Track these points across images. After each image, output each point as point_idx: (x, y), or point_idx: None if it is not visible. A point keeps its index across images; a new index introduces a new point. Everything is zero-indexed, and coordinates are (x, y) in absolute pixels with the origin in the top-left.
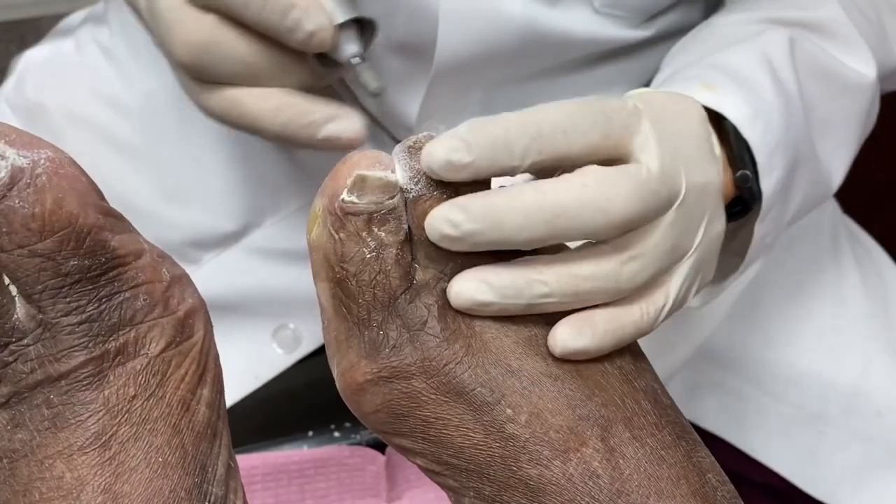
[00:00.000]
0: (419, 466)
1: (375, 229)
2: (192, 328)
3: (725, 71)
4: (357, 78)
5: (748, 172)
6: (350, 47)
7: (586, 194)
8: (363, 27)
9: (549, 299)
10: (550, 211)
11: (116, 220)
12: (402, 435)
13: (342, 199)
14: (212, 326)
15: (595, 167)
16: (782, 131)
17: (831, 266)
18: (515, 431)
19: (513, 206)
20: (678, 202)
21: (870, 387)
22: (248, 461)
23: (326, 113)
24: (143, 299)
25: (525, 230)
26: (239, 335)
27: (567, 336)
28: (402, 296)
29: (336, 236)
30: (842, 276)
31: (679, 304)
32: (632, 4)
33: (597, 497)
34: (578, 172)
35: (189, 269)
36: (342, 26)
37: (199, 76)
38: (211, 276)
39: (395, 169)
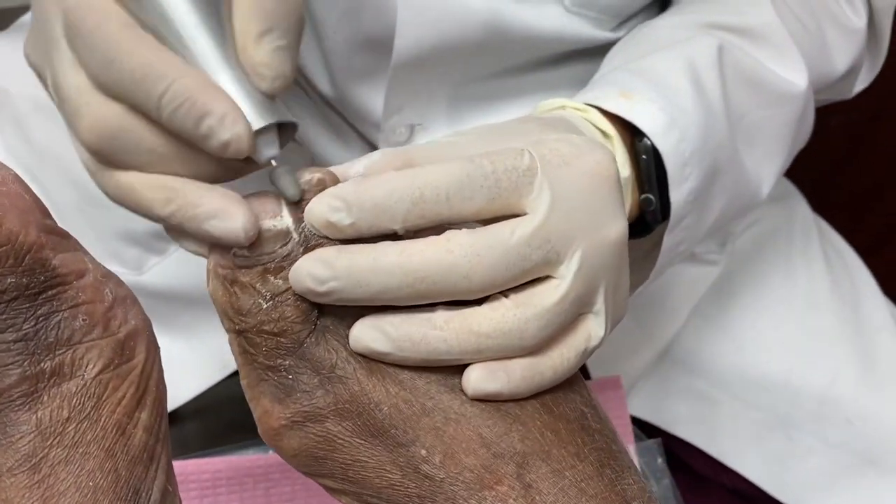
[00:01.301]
0: None
1: (271, 278)
2: (132, 350)
3: (647, 77)
4: (275, 182)
5: (651, 196)
6: (268, 150)
7: (449, 259)
8: (281, 127)
9: (449, 356)
10: (413, 275)
11: (60, 239)
12: (325, 476)
13: (234, 253)
14: (157, 349)
15: (463, 231)
16: (700, 140)
17: (802, 270)
18: (430, 472)
19: (375, 268)
20: (573, 258)
21: (839, 393)
22: (212, 465)
23: (211, 209)
24: (83, 319)
25: (388, 292)
26: (207, 325)
27: (480, 380)
28: (308, 339)
29: (230, 290)
30: (813, 280)
31: (599, 343)
32: (604, 5)
33: None
34: (445, 236)
35: (156, 259)
36: (261, 130)
37: (104, 160)
38: (178, 267)
39: (284, 213)
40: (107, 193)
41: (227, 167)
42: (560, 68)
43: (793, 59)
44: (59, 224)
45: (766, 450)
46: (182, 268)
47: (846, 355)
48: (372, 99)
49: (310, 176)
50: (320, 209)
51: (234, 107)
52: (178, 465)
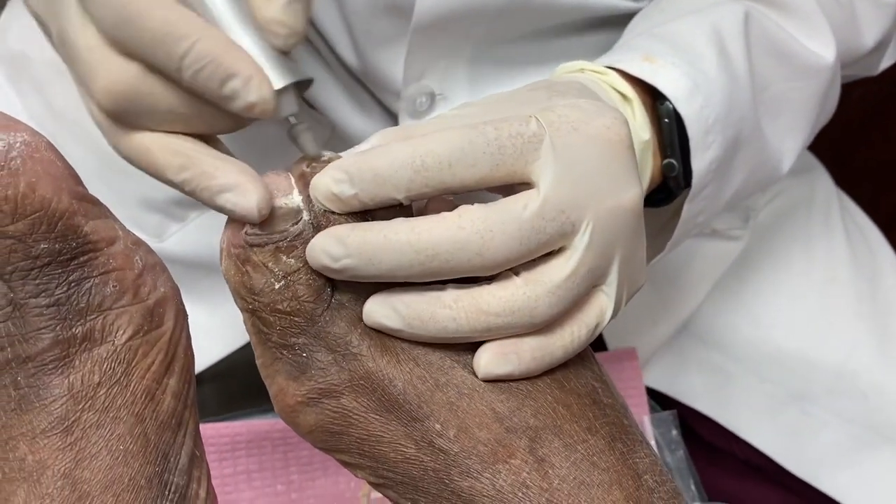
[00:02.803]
0: (364, 479)
1: (283, 257)
2: (161, 317)
3: (672, 42)
4: (295, 139)
5: (674, 162)
6: (288, 108)
7: (461, 236)
8: (299, 85)
9: (459, 334)
10: (424, 253)
11: (91, 206)
12: (341, 451)
13: (245, 232)
14: (185, 316)
15: (475, 207)
16: (723, 108)
17: (822, 244)
18: (445, 446)
19: (387, 246)
20: (585, 229)
21: (855, 368)
22: (232, 428)
23: (226, 182)
24: (113, 286)
25: (400, 269)
26: (227, 293)
27: (490, 364)
28: (322, 316)
29: (242, 269)
30: (832, 254)
31: (614, 315)
32: None
33: None
34: (456, 212)
35: (176, 227)
36: (280, 89)
37: (119, 120)
38: (198, 234)
39: (296, 191)
40: (120, 153)
41: (239, 120)
42: (583, 35)
43: (821, 32)
44: None
45: (781, 423)
46: (202, 235)
47: (863, 330)
48: (392, 65)
49: (318, 158)
50: (324, 181)
51: (258, 68)
52: None
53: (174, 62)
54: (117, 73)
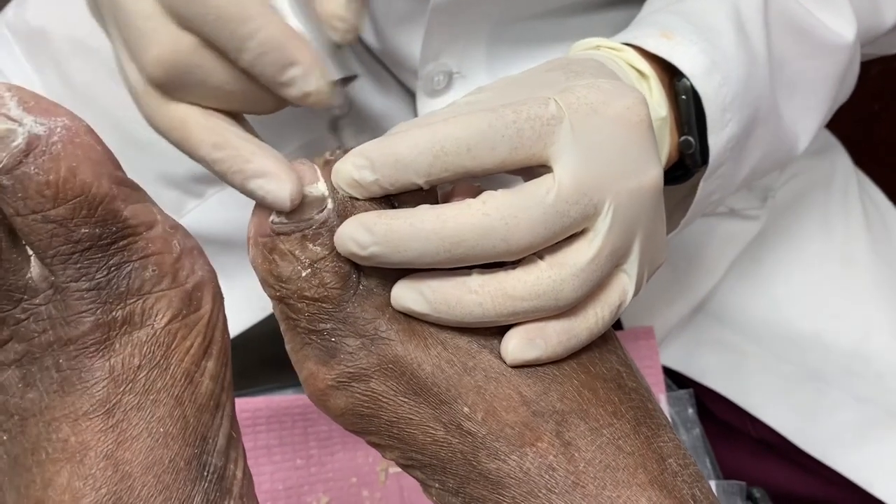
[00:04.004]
0: (392, 461)
1: (310, 245)
2: (199, 301)
3: (690, 19)
4: (336, 132)
5: (691, 139)
6: (336, 99)
7: (486, 223)
8: (346, 79)
9: (485, 318)
10: (449, 240)
11: (131, 190)
12: (371, 433)
13: (272, 221)
14: (222, 299)
15: (499, 193)
16: (741, 86)
17: (840, 226)
18: (472, 428)
19: (413, 234)
20: (607, 211)
21: (871, 349)
22: (253, 404)
23: (260, 168)
24: (152, 270)
25: (426, 257)
26: (247, 268)
27: (518, 349)
28: (349, 302)
29: (269, 257)
30: (850, 235)
31: (635, 293)
32: None
33: (553, 489)
34: (481, 198)
35: (195, 203)
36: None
37: (164, 91)
38: (216, 210)
39: (321, 180)
40: (151, 122)
41: (281, 105)
42: (601, 12)
43: (842, 9)
44: None
45: (795, 402)
46: (220, 211)
47: (880, 311)
48: (411, 44)
49: (341, 148)
50: (346, 168)
51: (319, 59)
52: None
53: (236, 42)
54: (172, 43)
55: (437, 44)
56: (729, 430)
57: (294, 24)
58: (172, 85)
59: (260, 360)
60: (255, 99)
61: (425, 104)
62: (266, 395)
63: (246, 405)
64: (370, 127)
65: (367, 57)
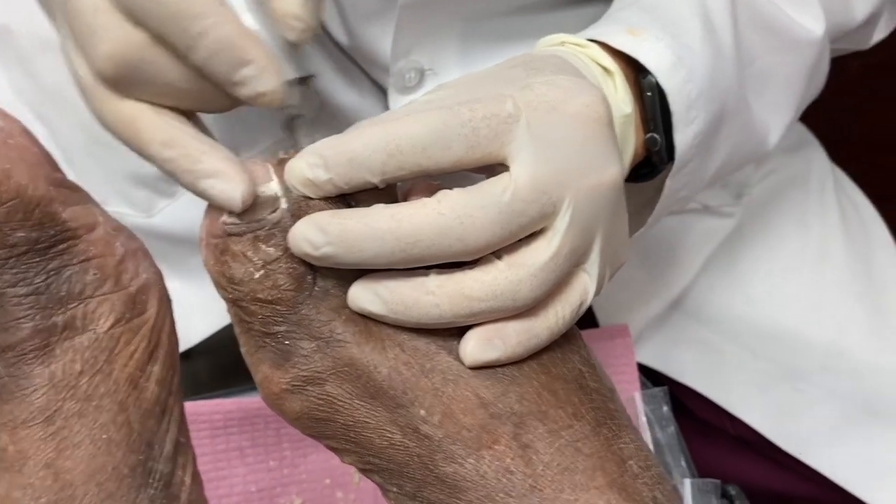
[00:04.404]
0: (350, 464)
1: (262, 246)
2: (144, 304)
3: (657, 15)
4: (292, 132)
5: (656, 136)
6: (291, 100)
7: (441, 222)
8: (302, 79)
9: (442, 319)
10: (405, 240)
11: (70, 192)
12: (328, 437)
13: (223, 221)
14: (169, 301)
15: (454, 192)
16: (707, 82)
17: (816, 222)
18: (429, 432)
19: (368, 234)
20: (566, 209)
21: (847, 346)
22: (224, 406)
23: (211, 167)
24: (94, 273)
25: (381, 257)
26: None
27: (476, 351)
28: (304, 304)
29: (221, 259)
30: (826, 232)
31: (597, 292)
32: None
33: (511, 493)
34: (436, 197)
35: (165, 202)
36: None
37: (114, 88)
38: (187, 210)
39: (274, 180)
40: (100, 118)
41: (235, 104)
42: (574, 9)
43: (810, 5)
44: (68, 165)
45: (772, 399)
46: (191, 211)
47: (856, 308)
48: (381, 41)
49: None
50: (299, 166)
51: (273, 59)
52: (191, 406)
53: (188, 40)
54: (122, 39)
55: (407, 40)
56: (707, 427)
57: (249, 23)
58: (123, 82)
59: (235, 360)
60: (208, 97)
61: (397, 101)
62: (239, 397)
63: (218, 407)
64: (340, 124)
65: (338, 53)
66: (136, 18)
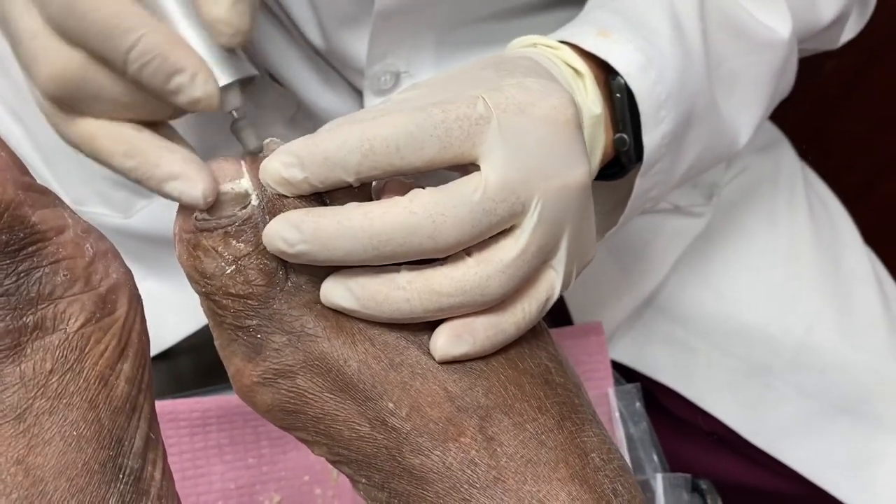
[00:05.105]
0: (321, 456)
1: (233, 242)
2: (114, 304)
3: (626, 17)
4: (237, 134)
5: (625, 136)
6: (232, 103)
7: (413, 221)
8: (244, 82)
9: (413, 315)
10: (377, 238)
11: (39, 195)
12: (299, 429)
13: (195, 217)
14: (139, 301)
15: (426, 191)
16: (676, 84)
17: (785, 220)
18: (397, 424)
19: (341, 232)
20: (534, 209)
21: (816, 343)
22: (202, 404)
23: (171, 170)
24: (63, 274)
25: (354, 254)
26: None
27: (446, 345)
28: (276, 299)
29: (194, 254)
30: (796, 230)
31: (563, 288)
32: None
33: (475, 484)
34: (408, 196)
35: (143, 203)
36: (226, 85)
37: (63, 107)
38: (166, 210)
39: (245, 177)
40: (64, 139)
41: (181, 111)
42: (550, 13)
43: (777, 7)
44: (46, 166)
45: (742, 396)
46: (170, 211)
47: (824, 305)
48: (357, 45)
49: (269, 142)
50: (274, 165)
51: (204, 64)
52: (170, 405)
53: (120, 55)
54: (61, 61)
55: (383, 45)
56: (680, 423)
57: (183, 31)
58: (69, 101)
59: (218, 358)
60: (152, 108)
61: (372, 102)
62: (217, 395)
63: (196, 405)
64: (316, 125)
65: (314, 55)
66: (71, 39)
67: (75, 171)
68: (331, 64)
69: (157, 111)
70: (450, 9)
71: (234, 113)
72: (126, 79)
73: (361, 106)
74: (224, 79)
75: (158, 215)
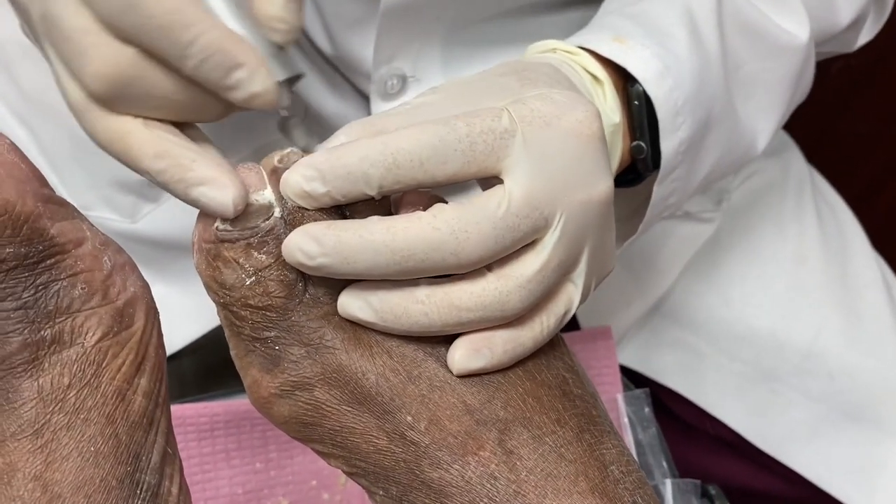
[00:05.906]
0: (337, 468)
1: (255, 253)
2: (131, 318)
3: (642, 23)
4: (287, 132)
5: (642, 144)
6: (282, 100)
7: (436, 237)
8: (291, 80)
9: (431, 328)
10: (399, 253)
11: (58, 207)
12: (315, 441)
13: (216, 228)
14: (156, 314)
15: (449, 206)
16: (693, 89)
17: (793, 225)
18: (416, 438)
19: (363, 246)
20: (556, 224)
21: (823, 348)
22: (211, 409)
23: (202, 175)
24: (81, 288)
25: (375, 269)
26: None
27: (464, 359)
28: (295, 311)
29: (213, 264)
30: (803, 235)
31: (582, 301)
32: None
33: (495, 498)
34: (431, 211)
35: (150, 207)
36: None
37: (107, 105)
38: (172, 214)
39: (267, 188)
40: (93, 136)
41: (229, 110)
42: (557, 13)
43: (795, 10)
44: (52, 171)
45: (750, 401)
46: (176, 215)
47: (832, 311)
48: (363, 47)
49: (289, 153)
50: (295, 179)
51: (263, 60)
52: (177, 409)
53: (178, 50)
54: (113, 57)
55: (389, 47)
56: (688, 428)
57: (234, 28)
58: (116, 99)
59: (221, 360)
60: (202, 106)
61: (379, 107)
62: (224, 400)
63: (204, 410)
64: (323, 129)
65: (320, 59)
66: (124, 35)
67: (81, 175)
68: (338, 69)
69: (205, 111)
70: (457, 7)
71: (283, 112)
72: (181, 75)
73: (368, 111)
74: (279, 75)
75: (164, 220)
